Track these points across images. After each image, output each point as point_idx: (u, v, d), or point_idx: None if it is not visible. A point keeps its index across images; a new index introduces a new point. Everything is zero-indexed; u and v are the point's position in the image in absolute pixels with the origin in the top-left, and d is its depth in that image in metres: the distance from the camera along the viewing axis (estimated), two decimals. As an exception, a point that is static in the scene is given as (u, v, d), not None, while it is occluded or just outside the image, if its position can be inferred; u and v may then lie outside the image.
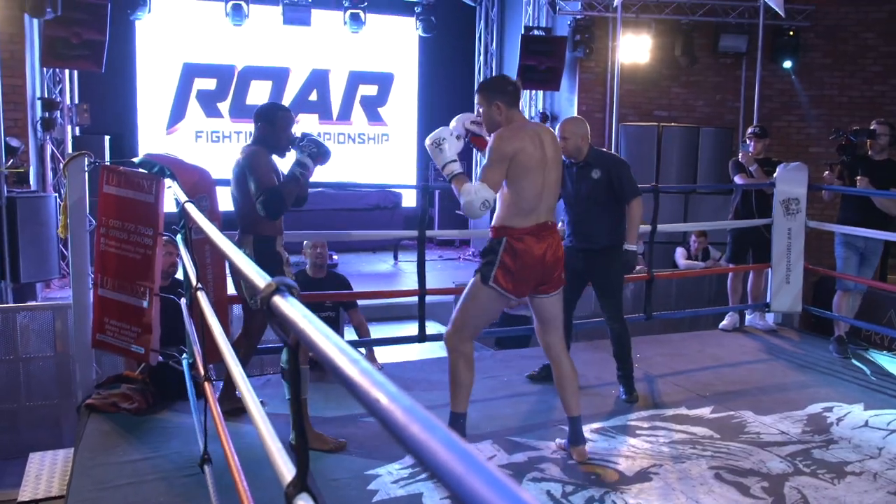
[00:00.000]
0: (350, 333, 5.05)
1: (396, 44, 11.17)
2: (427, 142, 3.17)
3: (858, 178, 5.05)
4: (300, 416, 1.03)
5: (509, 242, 3.08)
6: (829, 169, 5.38)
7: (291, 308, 0.95)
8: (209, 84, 10.29)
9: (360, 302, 5.17)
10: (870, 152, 5.18)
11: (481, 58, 11.02)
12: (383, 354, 5.25)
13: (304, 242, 4.97)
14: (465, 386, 3.17)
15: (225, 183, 5.44)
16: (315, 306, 4.78)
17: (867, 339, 6.60)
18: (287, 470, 1.00)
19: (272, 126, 3.38)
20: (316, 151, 3.34)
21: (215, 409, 2.31)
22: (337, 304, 4.89)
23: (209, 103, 10.31)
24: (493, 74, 10.88)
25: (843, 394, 4.23)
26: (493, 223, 3.15)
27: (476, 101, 3.20)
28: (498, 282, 3.09)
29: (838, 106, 9.28)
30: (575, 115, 9.31)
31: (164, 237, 3.63)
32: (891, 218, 5.14)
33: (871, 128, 5.14)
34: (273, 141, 3.39)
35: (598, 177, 3.96)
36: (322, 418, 3.60)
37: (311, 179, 3.45)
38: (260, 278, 1.07)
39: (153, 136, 9.93)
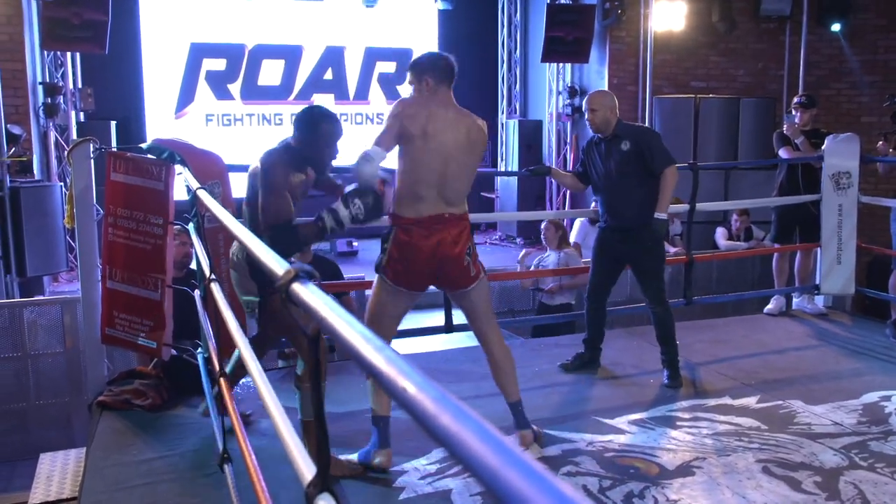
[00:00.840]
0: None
1: (414, 18, 11.11)
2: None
3: None
4: (321, 411, 1.03)
5: (396, 233, 3.02)
6: (883, 139, 5.28)
7: (312, 295, 0.94)
8: (218, 65, 10.33)
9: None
10: None
11: (504, 30, 10.94)
12: (409, 345, 5.26)
13: None
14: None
15: (238, 169, 5.48)
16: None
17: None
18: (307, 469, 1.00)
19: (314, 136, 3.06)
20: (363, 216, 2.91)
21: (232, 405, 2.33)
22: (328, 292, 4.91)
23: (219, 85, 10.35)
24: (518, 47, 10.80)
25: (901, 381, 4.17)
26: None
27: (407, 81, 3.14)
28: (386, 272, 3.04)
29: (894, 71, 9.07)
30: (605, 88, 9.22)
31: (176, 226, 3.65)
32: None
33: None
34: (310, 153, 3.07)
35: (628, 148, 3.97)
36: (342, 413, 3.62)
37: (334, 163, 3.25)
38: (278, 265, 1.06)
39: (161, 121, 10.00)
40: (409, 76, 3.12)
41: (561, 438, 3.38)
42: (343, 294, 5.00)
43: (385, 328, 3.09)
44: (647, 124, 9.05)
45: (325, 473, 0.96)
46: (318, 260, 5.09)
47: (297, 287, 0.96)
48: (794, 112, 5.54)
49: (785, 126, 5.54)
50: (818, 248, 5.44)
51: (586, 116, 4.09)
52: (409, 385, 0.54)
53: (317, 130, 3.06)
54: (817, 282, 5.48)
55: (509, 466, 0.40)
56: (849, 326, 5.36)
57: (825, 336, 5.08)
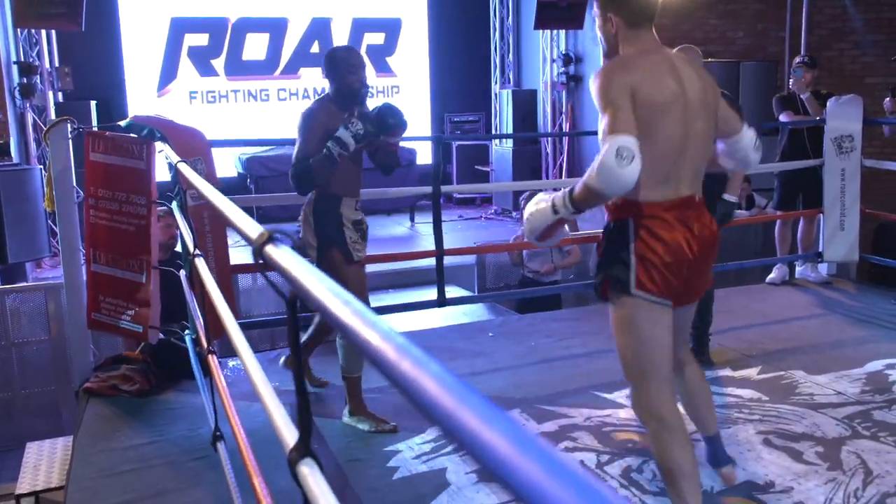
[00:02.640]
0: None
1: (402, -15, 11.07)
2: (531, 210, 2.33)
3: None
4: (301, 378, 1.04)
5: (641, 224, 2.23)
6: (890, 94, 5.26)
7: (287, 257, 0.96)
8: (201, 39, 10.27)
9: (375, 267, 5.22)
10: None
11: (497, -4, 10.88)
12: (402, 322, 5.30)
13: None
14: (689, 475, 2.27)
15: (221, 144, 5.48)
16: None
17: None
18: (290, 435, 1.02)
19: (333, 69, 3.22)
20: (362, 132, 3.09)
21: (221, 383, 2.35)
22: None
23: (202, 61, 10.30)
24: (510, 14, 10.74)
25: (907, 349, 4.21)
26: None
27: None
28: (644, 286, 2.24)
29: (898, 29, 9.05)
30: (601, 55, 9.19)
31: (160, 207, 3.66)
32: None
33: None
34: (337, 87, 3.22)
35: None
36: (333, 394, 3.65)
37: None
38: (252, 228, 1.08)
39: (144, 99, 9.96)
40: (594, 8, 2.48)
41: (558, 414, 3.42)
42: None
43: (662, 366, 2.31)
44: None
45: (307, 439, 0.98)
46: None
47: (271, 249, 0.97)
48: (799, 70, 5.53)
49: (791, 81, 5.53)
50: (821, 215, 5.46)
51: None
52: (373, 336, 0.56)
53: (334, 63, 3.23)
54: (821, 249, 5.51)
55: (465, 407, 0.42)
56: (853, 294, 5.40)
57: (829, 305, 5.12)
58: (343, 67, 3.21)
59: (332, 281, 0.75)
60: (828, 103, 5.32)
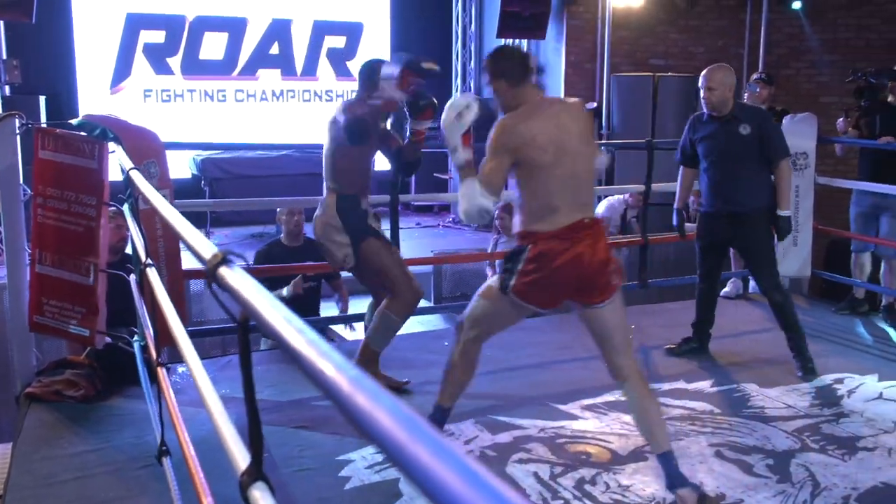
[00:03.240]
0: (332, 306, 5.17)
1: (365, -12, 11.06)
2: (450, 112, 2.85)
3: (883, 139, 5.07)
4: (253, 400, 1.04)
5: (532, 250, 2.76)
6: (844, 115, 5.40)
7: (240, 279, 0.95)
8: (157, 37, 10.13)
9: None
10: (891, 98, 5.19)
11: (459, 3, 10.92)
12: (355, 332, 5.28)
13: (279, 210, 5.06)
14: (462, 382, 3.06)
15: (177, 146, 5.42)
16: (293, 275, 4.91)
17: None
18: (241, 457, 1.01)
19: (371, 84, 3.52)
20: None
21: (169, 395, 2.32)
22: (318, 275, 5.01)
23: (158, 58, 10.15)
24: (473, 22, 10.79)
25: (856, 364, 4.31)
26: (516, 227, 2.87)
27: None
28: (518, 292, 2.79)
29: (854, 50, 9.26)
30: (563, 64, 9.28)
31: (111, 208, 3.60)
32: None
33: None
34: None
35: (748, 133, 4.00)
36: (286, 402, 3.63)
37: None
38: (206, 248, 1.07)
39: (95, 96, 9.78)
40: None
41: (512, 425, 3.43)
42: (335, 277, 5.08)
43: (490, 334, 3.04)
44: (605, 102, 9.15)
45: (259, 462, 0.97)
46: (310, 243, 5.18)
47: (224, 271, 0.96)
48: (754, 86, 5.65)
49: (746, 96, 5.65)
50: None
51: (702, 95, 4.05)
52: (327, 366, 0.56)
53: (371, 75, 3.55)
54: (774, 264, 5.62)
55: (418, 442, 0.42)
56: (805, 309, 5.50)
57: (781, 319, 5.22)
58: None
59: (285, 308, 0.75)
60: (783, 121, 5.44)
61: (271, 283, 4.65)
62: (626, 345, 2.86)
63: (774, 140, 4.03)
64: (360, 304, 6.11)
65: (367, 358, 3.61)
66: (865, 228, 5.31)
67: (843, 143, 5.47)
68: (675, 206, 4.47)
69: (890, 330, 5.07)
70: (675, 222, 4.45)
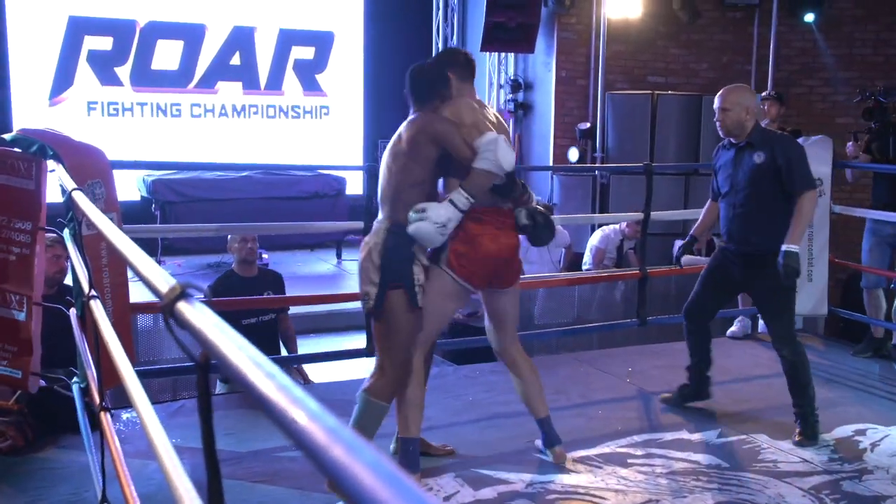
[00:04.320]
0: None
1: (336, -5, 11.15)
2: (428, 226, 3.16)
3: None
4: (212, 448, 1.02)
5: (465, 224, 3.25)
6: (853, 139, 5.48)
7: (200, 315, 0.95)
8: (104, 43, 10.13)
9: (297, 310, 5.21)
10: None
11: (440, 13, 11.03)
12: (325, 371, 5.25)
13: (230, 237, 5.02)
14: (416, 405, 3.37)
15: (125, 165, 5.39)
16: (254, 309, 4.94)
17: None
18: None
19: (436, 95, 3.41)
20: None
21: (114, 443, 2.29)
22: (277, 308, 5.03)
23: (104, 67, 10.15)
24: (455, 33, 10.90)
25: (878, 413, 4.33)
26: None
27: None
28: (454, 267, 3.30)
29: (872, 67, 9.39)
30: (553, 78, 9.37)
31: (48, 234, 3.57)
32: None
33: None
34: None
35: (762, 161, 3.88)
36: (245, 453, 3.59)
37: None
38: (162, 280, 1.06)
39: (32, 108, 9.75)
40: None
41: (496, 479, 3.41)
42: (283, 311, 5.06)
43: (440, 326, 3.51)
44: (599, 123, 9.23)
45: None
46: (265, 274, 5.21)
47: (183, 306, 0.96)
48: (763, 105, 5.73)
49: None
50: (787, 264, 5.62)
51: (716, 116, 3.99)
52: (300, 415, 0.56)
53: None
54: (786, 301, 5.66)
55: (401, 500, 0.42)
56: (821, 351, 5.55)
57: (794, 362, 5.25)
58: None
59: (253, 348, 0.74)
60: (795, 144, 5.51)
61: (230, 319, 4.63)
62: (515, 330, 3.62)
63: (794, 169, 3.85)
64: (317, 344, 6.11)
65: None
66: (882, 261, 5.36)
67: (861, 168, 5.54)
68: (691, 232, 4.48)
69: (886, 369, 5.11)
70: (677, 248, 4.46)
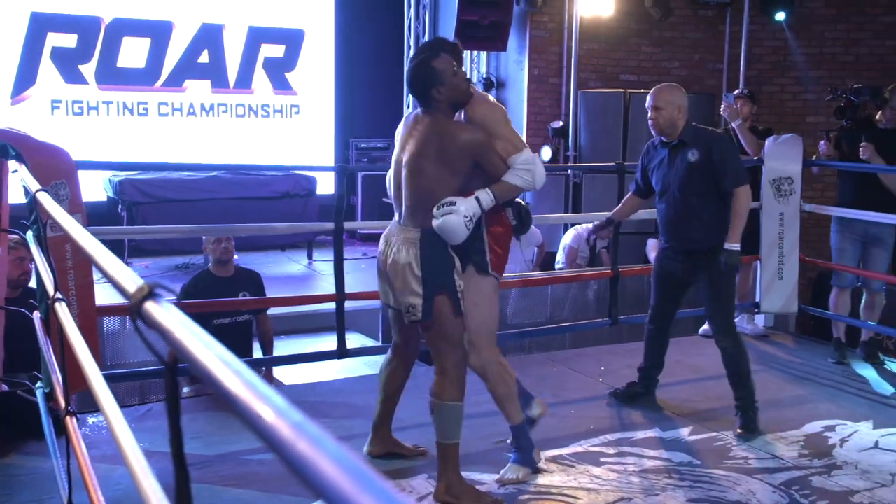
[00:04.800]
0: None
1: (306, -8, 11.12)
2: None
3: (863, 144, 5.19)
4: (181, 451, 1.03)
5: (491, 224, 3.33)
6: (825, 138, 5.55)
7: (169, 316, 0.96)
8: (68, 40, 10.03)
9: (269, 311, 5.21)
10: (878, 116, 5.34)
11: (412, 11, 11.04)
12: (295, 374, 5.24)
13: (204, 237, 5.03)
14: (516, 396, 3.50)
15: (90, 166, 5.35)
16: (229, 310, 4.93)
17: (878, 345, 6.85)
18: (160, 507, 1.01)
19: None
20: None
21: (80, 448, 2.28)
22: (252, 310, 5.02)
23: (69, 65, 10.05)
24: (427, 31, 10.91)
25: (848, 410, 4.41)
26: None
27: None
28: (497, 269, 3.41)
29: (842, 66, 9.52)
30: (525, 78, 9.41)
31: (11, 235, 3.55)
32: None
33: (885, 96, 5.28)
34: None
35: (695, 159, 3.94)
36: (214, 456, 3.59)
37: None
38: (129, 280, 1.07)
39: (-5, 108, 9.65)
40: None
41: (469, 480, 3.43)
42: (261, 311, 5.04)
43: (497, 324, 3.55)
44: (571, 121, 9.28)
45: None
46: (242, 273, 5.17)
47: (151, 306, 0.97)
48: (731, 96, 5.80)
49: (722, 107, 5.79)
50: (758, 262, 5.69)
51: (649, 115, 4.04)
52: (266, 411, 0.57)
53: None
54: (758, 299, 5.74)
55: (366, 493, 0.44)
56: (792, 349, 5.63)
57: (766, 360, 5.32)
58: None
59: (221, 347, 0.76)
60: (766, 142, 5.58)
61: (201, 319, 4.61)
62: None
63: (725, 165, 3.94)
64: (289, 345, 6.10)
65: (452, 459, 3.29)
66: (853, 260, 5.43)
67: (832, 166, 5.62)
68: (610, 214, 4.53)
69: (869, 368, 5.20)
70: (649, 246, 4.54)
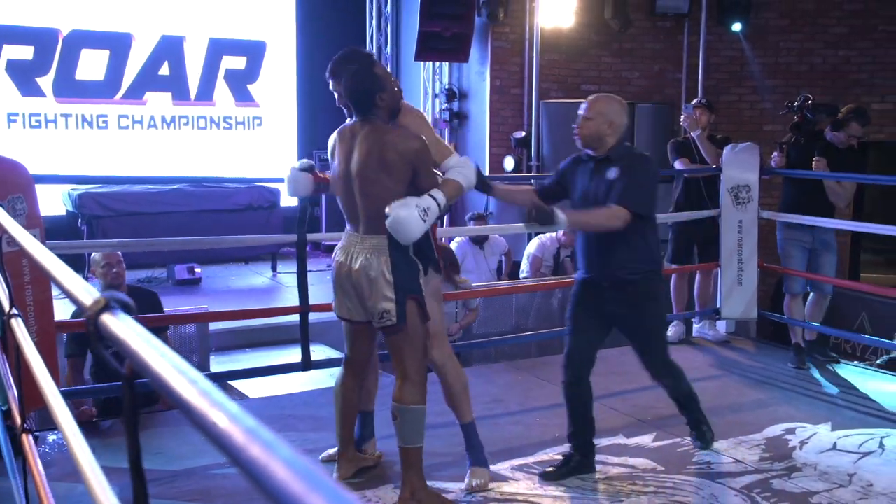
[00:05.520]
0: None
1: (268, 4, 11.07)
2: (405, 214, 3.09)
3: (816, 159, 5.31)
4: (139, 462, 1.03)
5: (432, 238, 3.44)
6: (778, 150, 5.66)
7: (125, 328, 0.95)
8: (24, 52, 9.92)
9: (230, 324, 5.15)
10: (830, 135, 5.44)
11: (373, 22, 11.06)
12: (260, 387, 5.21)
13: (94, 257, 4.83)
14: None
15: (48, 180, 5.29)
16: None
17: (836, 349, 6.98)
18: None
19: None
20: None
21: (37, 466, 2.25)
22: (151, 330, 4.86)
23: (25, 78, 9.93)
24: (388, 42, 10.94)
25: (807, 413, 4.48)
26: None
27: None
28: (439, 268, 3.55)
29: (797, 76, 9.71)
30: (487, 89, 9.46)
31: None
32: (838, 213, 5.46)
33: (842, 119, 5.38)
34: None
35: (615, 177, 3.54)
36: (177, 471, 3.56)
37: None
38: (85, 293, 1.07)
39: (-50, 122, 9.50)
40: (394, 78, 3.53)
41: (435, 489, 3.44)
42: (161, 330, 4.92)
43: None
44: (533, 131, 9.33)
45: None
46: (135, 293, 5.01)
47: (108, 318, 0.97)
48: (690, 107, 5.88)
49: (682, 117, 5.87)
50: (718, 269, 5.77)
51: (576, 123, 3.65)
52: (220, 417, 0.58)
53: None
54: (718, 305, 5.82)
55: (315, 493, 0.45)
56: (752, 354, 5.71)
57: (727, 365, 5.40)
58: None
59: (178, 357, 0.76)
60: (724, 151, 5.67)
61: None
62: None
63: (627, 184, 3.49)
64: (253, 359, 6.06)
65: (416, 464, 3.29)
66: (802, 266, 5.52)
67: (786, 174, 5.71)
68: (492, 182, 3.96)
69: (827, 371, 5.29)
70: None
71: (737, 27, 9.61)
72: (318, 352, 5.63)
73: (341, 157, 3.31)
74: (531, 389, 4.79)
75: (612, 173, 3.54)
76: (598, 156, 3.61)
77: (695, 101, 6.08)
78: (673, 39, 9.90)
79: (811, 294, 5.61)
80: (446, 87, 10.18)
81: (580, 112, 3.65)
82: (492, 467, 3.65)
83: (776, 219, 5.89)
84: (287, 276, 9.20)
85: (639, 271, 3.59)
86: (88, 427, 4.10)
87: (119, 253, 4.82)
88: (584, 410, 3.74)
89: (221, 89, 10.95)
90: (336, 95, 3.50)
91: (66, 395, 2.07)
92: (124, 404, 1.03)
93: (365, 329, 3.38)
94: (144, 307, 4.80)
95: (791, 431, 4.20)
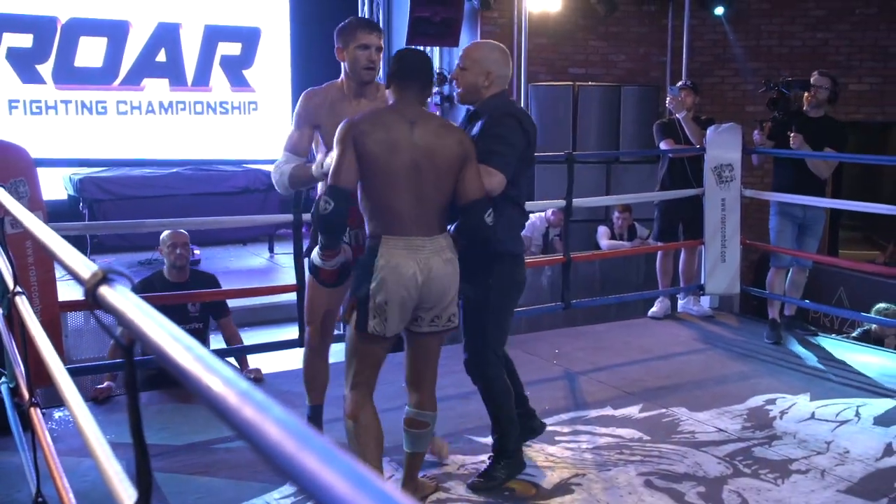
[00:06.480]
0: (219, 343, 5.03)
1: (262, -10, 11.03)
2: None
3: (791, 134, 5.31)
4: (140, 430, 1.03)
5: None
6: (759, 128, 5.66)
7: (123, 300, 0.96)
8: (24, 40, 9.85)
9: (229, 303, 5.14)
10: (805, 107, 5.46)
11: (366, 7, 11.00)
12: (259, 363, 5.21)
13: (162, 237, 4.77)
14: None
15: (49, 163, 5.26)
16: (178, 317, 4.56)
17: (815, 322, 7.03)
18: (126, 496, 1.01)
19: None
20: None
21: (46, 440, 2.26)
22: (205, 314, 4.82)
23: (25, 65, 9.87)
24: (380, 24, 10.88)
25: (787, 384, 4.52)
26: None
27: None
28: None
29: (778, 57, 9.72)
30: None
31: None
32: (826, 182, 5.48)
33: (811, 80, 5.41)
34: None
35: (476, 133, 3.03)
36: (180, 446, 3.57)
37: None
38: (83, 266, 1.07)
39: (-48, 108, 9.45)
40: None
41: (429, 461, 3.46)
42: (222, 314, 4.87)
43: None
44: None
45: (147, 499, 0.97)
46: (197, 276, 4.90)
47: (106, 290, 0.97)
48: (675, 89, 5.87)
49: (668, 99, 5.86)
50: (702, 246, 5.79)
51: (452, 74, 3.28)
52: (214, 381, 0.58)
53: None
54: (703, 281, 5.84)
55: (306, 450, 0.45)
56: (735, 328, 5.74)
57: (711, 339, 5.43)
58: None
59: (174, 326, 0.76)
60: (707, 131, 5.68)
61: None
62: None
63: (484, 137, 3.00)
64: (252, 336, 6.06)
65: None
66: (792, 242, 5.54)
67: (768, 153, 5.72)
68: None
69: (805, 344, 5.32)
70: (599, 233, 4.23)
71: (719, 11, 9.61)
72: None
73: (400, 147, 2.78)
74: (522, 364, 4.72)
75: (476, 128, 3.06)
76: (471, 110, 3.17)
77: (680, 84, 6.07)
78: (658, 23, 9.88)
79: (790, 271, 5.64)
80: (437, 70, 10.14)
81: (457, 61, 3.19)
82: (484, 440, 3.67)
83: (758, 197, 5.91)
84: (284, 256, 9.19)
85: (505, 246, 3.19)
86: (106, 403, 4.11)
87: (186, 234, 4.77)
88: (517, 385, 3.49)
89: (217, 75, 10.90)
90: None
91: (72, 372, 2.07)
92: (125, 372, 1.03)
93: (389, 345, 3.03)
94: (207, 288, 4.85)
95: (772, 402, 4.23)
